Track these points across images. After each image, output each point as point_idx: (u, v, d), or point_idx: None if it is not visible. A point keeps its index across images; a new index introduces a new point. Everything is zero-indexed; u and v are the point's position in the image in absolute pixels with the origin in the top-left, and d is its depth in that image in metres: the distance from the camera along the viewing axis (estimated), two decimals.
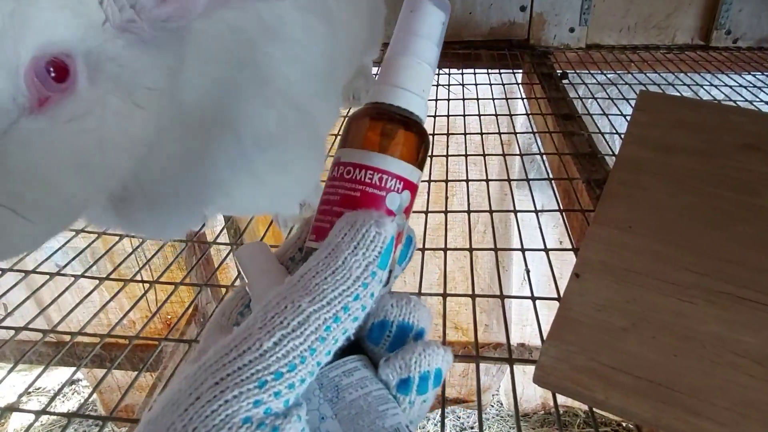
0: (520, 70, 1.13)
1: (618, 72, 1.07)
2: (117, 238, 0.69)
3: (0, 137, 0.23)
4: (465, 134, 0.83)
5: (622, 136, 0.65)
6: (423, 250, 0.59)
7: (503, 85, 1.05)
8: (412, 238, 0.24)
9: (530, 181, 0.71)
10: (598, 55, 1.19)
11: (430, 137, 0.25)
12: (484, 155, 0.77)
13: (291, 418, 0.16)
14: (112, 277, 0.60)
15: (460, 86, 1.04)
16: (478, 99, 0.95)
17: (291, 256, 0.25)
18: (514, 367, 0.46)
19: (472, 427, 2.13)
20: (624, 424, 1.94)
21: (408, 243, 0.23)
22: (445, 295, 0.52)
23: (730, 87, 0.99)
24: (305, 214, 0.64)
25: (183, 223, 0.43)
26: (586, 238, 0.51)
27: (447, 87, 1.05)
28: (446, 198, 0.67)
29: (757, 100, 0.93)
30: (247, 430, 0.15)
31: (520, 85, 1.08)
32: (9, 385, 1.61)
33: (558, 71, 1.07)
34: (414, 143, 0.23)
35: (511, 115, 0.94)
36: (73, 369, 1.29)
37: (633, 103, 0.69)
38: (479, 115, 0.89)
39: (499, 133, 0.85)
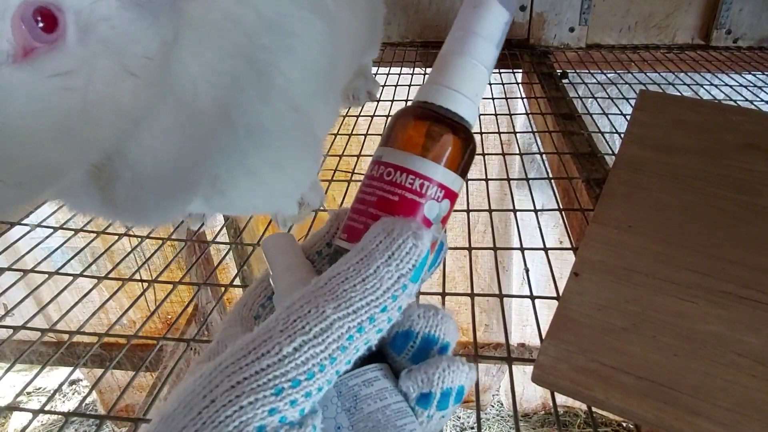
0: (520, 70, 1.13)
1: (618, 71, 1.07)
2: (116, 237, 0.69)
3: None
4: None
5: (622, 135, 0.65)
6: None
7: (503, 84, 1.04)
8: (443, 244, 0.23)
9: (530, 181, 0.71)
10: (598, 54, 1.19)
11: None
12: (483, 155, 0.77)
13: (306, 428, 0.16)
14: (111, 276, 0.60)
15: None
16: None
17: (318, 250, 0.24)
18: (515, 367, 0.46)
19: (472, 427, 2.13)
20: (624, 425, 1.94)
21: (439, 249, 0.22)
22: (444, 294, 0.52)
23: (731, 86, 0.99)
24: (304, 213, 0.64)
25: (168, 207, 0.41)
26: (586, 238, 0.51)
27: None
28: None
29: (758, 99, 0.93)
30: None
31: (520, 85, 1.08)
32: (9, 384, 1.61)
33: (558, 71, 1.07)
34: (460, 149, 0.22)
35: (510, 115, 0.94)
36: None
37: (633, 102, 0.69)
38: (479, 115, 0.89)
39: (499, 133, 0.85)
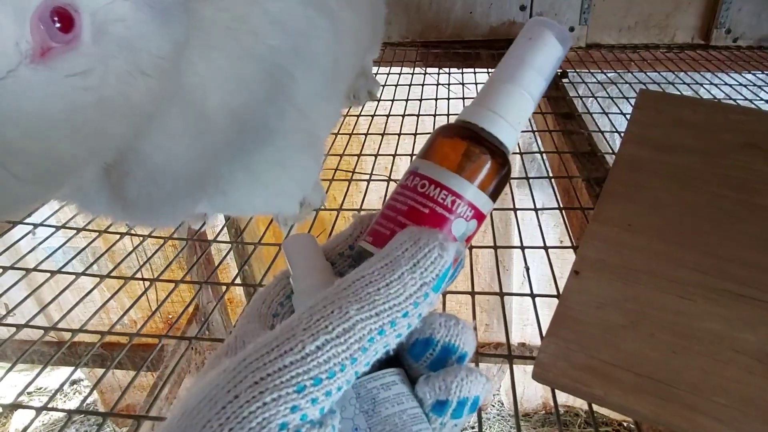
0: None
1: (618, 71, 1.07)
2: (117, 236, 0.69)
3: None
4: None
5: (622, 134, 0.65)
6: None
7: None
8: (462, 261, 0.23)
9: (530, 180, 0.71)
10: (598, 54, 1.19)
11: (426, 136, 0.24)
12: None
13: (326, 428, 0.16)
14: (112, 275, 0.60)
15: (460, 86, 1.04)
16: None
17: (340, 252, 0.24)
18: (515, 367, 0.46)
19: (472, 427, 2.12)
20: (625, 424, 1.94)
21: (458, 265, 0.23)
22: (443, 293, 0.52)
23: (730, 86, 0.99)
24: (304, 213, 0.64)
25: (177, 206, 0.42)
26: (586, 236, 0.51)
27: (447, 87, 1.05)
28: None
29: (758, 98, 0.93)
30: None
31: None
32: (10, 384, 1.61)
33: (558, 70, 1.07)
34: (494, 172, 0.22)
35: None
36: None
37: (633, 101, 0.69)
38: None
39: None
